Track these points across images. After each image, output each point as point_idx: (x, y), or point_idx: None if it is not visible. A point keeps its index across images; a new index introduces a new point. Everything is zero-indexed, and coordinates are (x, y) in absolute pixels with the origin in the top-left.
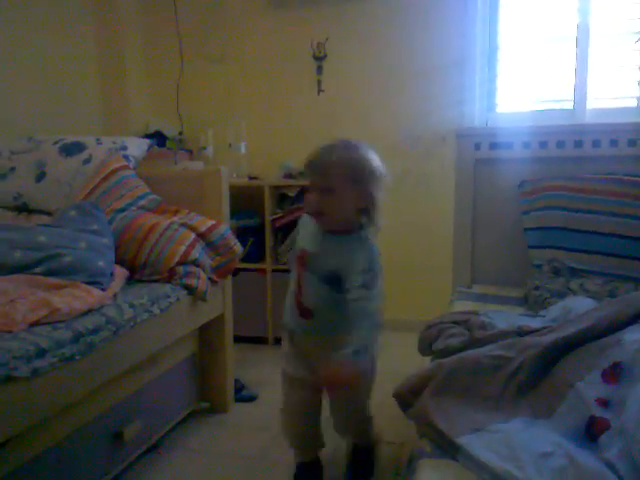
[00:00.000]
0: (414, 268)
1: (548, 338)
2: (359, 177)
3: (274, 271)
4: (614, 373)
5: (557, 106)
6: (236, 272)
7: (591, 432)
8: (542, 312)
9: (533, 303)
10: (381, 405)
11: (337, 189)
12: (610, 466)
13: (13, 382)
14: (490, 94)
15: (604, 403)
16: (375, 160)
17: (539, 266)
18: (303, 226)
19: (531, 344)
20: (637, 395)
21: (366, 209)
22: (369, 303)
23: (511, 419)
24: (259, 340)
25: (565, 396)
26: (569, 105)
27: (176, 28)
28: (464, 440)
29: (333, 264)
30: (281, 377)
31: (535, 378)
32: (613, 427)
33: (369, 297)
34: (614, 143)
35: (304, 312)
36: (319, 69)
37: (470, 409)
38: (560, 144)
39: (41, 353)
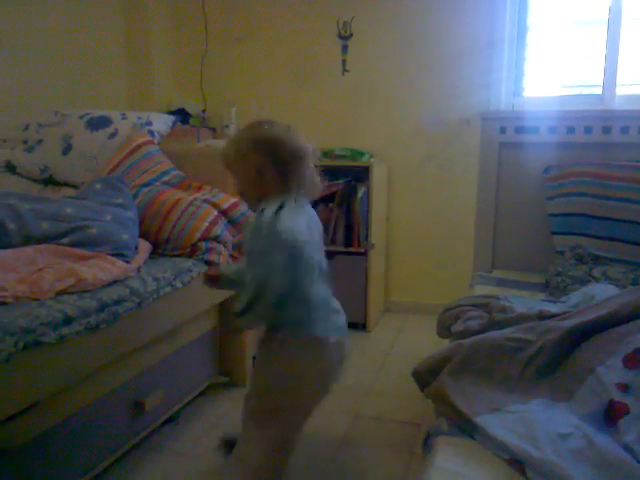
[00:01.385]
0: (435, 252)
1: (569, 322)
2: None
3: None
4: (635, 358)
5: (586, 91)
6: None
7: (610, 416)
8: (563, 298)
9: (554, 289)
10: (398, 386)
11: None
12: (628, 449)
13: (40, 347)
14: (517, 78)
15: (624, 388)
16: None
17: (562, 252)
18: (303, 213)
19: (552, 328)
20: None
21: None
22: None
23: (530, 401)
24: None
25: (585, 380)
26: (598, 90)
27: (202, 6)
28: (482, 419)
29: None
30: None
31: (555, 361)
32: (632, 412)
33: None
34: None
35: None
36: (344, 48)
37: (488, 389)
38: (588, 130)
39: (68, 321)
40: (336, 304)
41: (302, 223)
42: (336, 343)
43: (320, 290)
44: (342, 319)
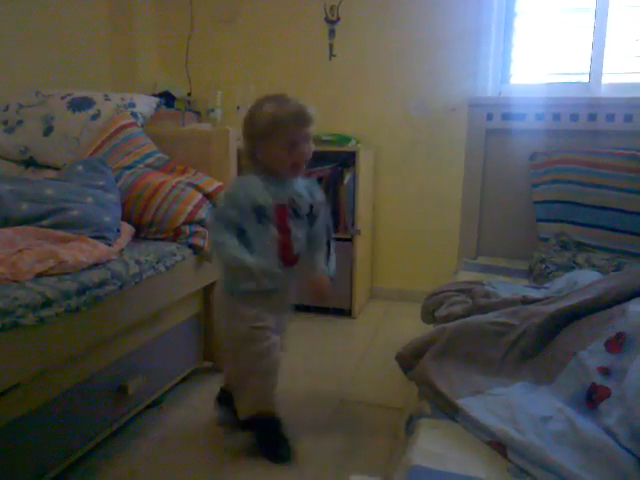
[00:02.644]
0: (421, 238)
1: (552, 307)
2: None
3: None
4: (617, 343)
5: (572, 79)
6: None
7: (591, 399)
8: (547, 284)
9: (538, 275)
10: (382, 371)
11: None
12: (609, 432)
13: (20, 330)
14: (505, 65)
15: (606, 371)
16: None
17: (546, 239)
18: (249, 185)
19: (535, 312)
20: (638, 364)
21: None
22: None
23: (512, 384)
24: None
25: (567, 363)
26: (585, 78)
27: None
28: (464, 402)
29: (309, 202)
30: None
31: (538, 345)
32: (614, 395)
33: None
34: (628, 118)
35: (292, 261)
36: (331, 33)
37: (471, 373)
38: (574, 117)
39: (47, 303)
40: None
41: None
42: None
43: None
44: None
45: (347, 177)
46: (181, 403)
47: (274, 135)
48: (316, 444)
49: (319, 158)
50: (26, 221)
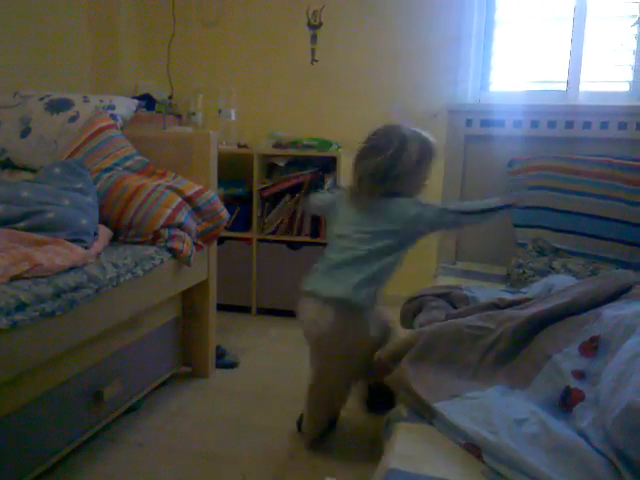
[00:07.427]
0: None
1: (528, 311)
2: None
3: (260, 241)
4: (592, 346)
5: (550, 87)
6: (221, 240)
7: (566, 403)
8: (524, 289)
9: (515, 280)
10: None
11: None
12: (583, 435)
13: None
14: (484, 72)
15: (580, 375)
16: None
17: (523, 245)
18: None
19: (511, 316)
20: (611, 367)
21: None
22: None
23: (488, 387)
24: (243, 309)
25: (542, 367)
26: (562, 86)
27: None
28: (441, 405)
29: None
30: None
31: (514, 349)
32: (588, 398)
33: None
34: (605, 125)
35: None
36: (314, 38)
37: (448, 377)
38: (551, 124)
39: (21, 307)
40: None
41: None
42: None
43: None
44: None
45: (328, 182)
46: (158, 409)
47: (430, 162)
48: (300, 447)
49: (300, 163)
50: (1, 223)
